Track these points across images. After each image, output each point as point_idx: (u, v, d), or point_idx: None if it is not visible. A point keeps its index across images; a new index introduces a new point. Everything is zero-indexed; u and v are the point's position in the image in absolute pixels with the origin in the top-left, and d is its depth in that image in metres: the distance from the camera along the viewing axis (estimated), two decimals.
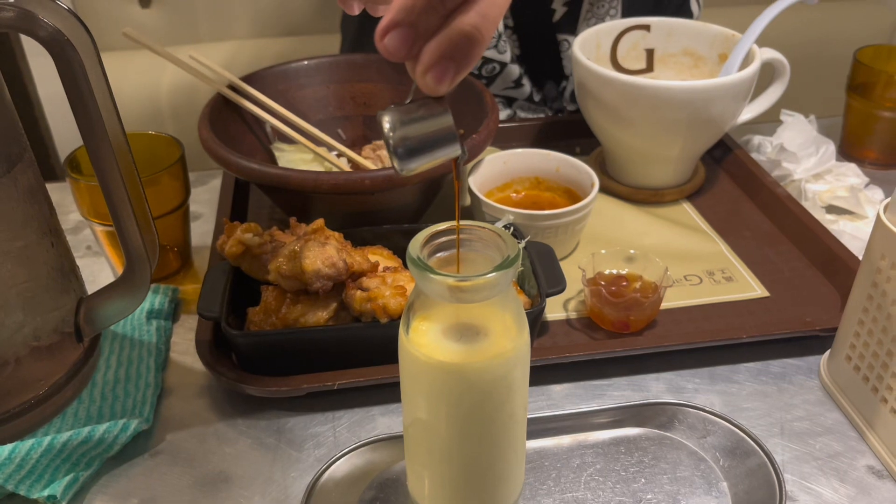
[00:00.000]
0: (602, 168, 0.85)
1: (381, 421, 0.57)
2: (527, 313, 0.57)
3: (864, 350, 0.55)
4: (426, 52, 0.35)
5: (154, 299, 0.66)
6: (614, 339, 0.63)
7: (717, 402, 0.58)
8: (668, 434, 0.55)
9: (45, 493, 0.50)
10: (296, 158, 0.79)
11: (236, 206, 0.77)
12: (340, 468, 0.52)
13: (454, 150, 0.38)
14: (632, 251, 0.67)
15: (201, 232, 0.78)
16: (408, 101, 0.38)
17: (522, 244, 0.65)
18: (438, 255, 0.43)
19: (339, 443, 0.55)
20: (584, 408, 0.56)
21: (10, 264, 0.51)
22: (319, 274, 0.56)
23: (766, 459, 0.52)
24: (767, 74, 0.81)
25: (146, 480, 0.53)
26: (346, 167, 0.79)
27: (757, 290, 0.68)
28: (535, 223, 0.68)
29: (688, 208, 0.81)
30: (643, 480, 0.52)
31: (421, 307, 0.43)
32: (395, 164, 0.37)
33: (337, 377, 0.57)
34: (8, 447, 0.50)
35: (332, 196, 0.65)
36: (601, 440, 0.55)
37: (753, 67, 0.74)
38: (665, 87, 0.72)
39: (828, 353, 0.60)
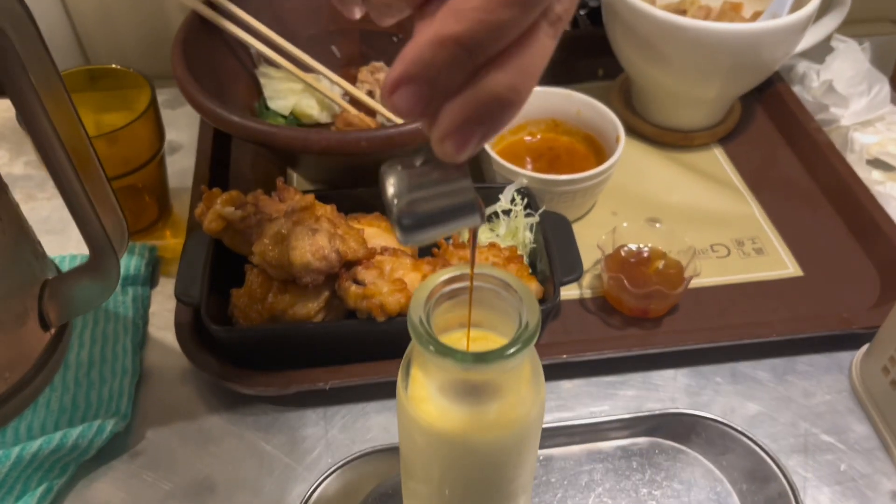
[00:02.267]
0: (627, 100, 0.76)
1: (376, 420, 0.53)
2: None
3: None
4: (447, 114, 0.27)
5: (129, 263, 0.60)
6: (631, 328, 0.58)
7: (738, 407, 0.54)
8: (683, 448, 0.52)
9: None
10: (283, 88, 0.70)
11: (218, 142, 0.69)
12: (332, 484, 0.49)
13: (471, 221, 0.31)
14: (658, 225, 0.60)
15: (180, 169, 0.70)
16: (418, 161, 0.30)
17: (536, 218, 0.58)
18: (446, 303, 0.37)
19: (332, 445, 0.51)
20: (596, 419, 0.52)
21: None
22: (309, 268, 0.50)
23: (788, 488, 0.48)
24: None
25: (125, 488, 0.49)
26: (339, 98, 0.71)
27: (789, 268, 0.62)
28: (552, 188, 0.61)
29: (719, 155, 0.73)
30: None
31: (422, 358, 0.37)
32: (398, 236, 0.30)
33: (329, 376, 0.52)
34: None
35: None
36: (612, 452, 0.51)
37: (812, 6, 0.63)
38: (708, 29, 0.62)
39: (862, 352, 0.56)
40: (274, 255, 0.51)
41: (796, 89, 0.77)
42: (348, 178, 0.65)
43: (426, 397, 0.37)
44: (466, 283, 0.36)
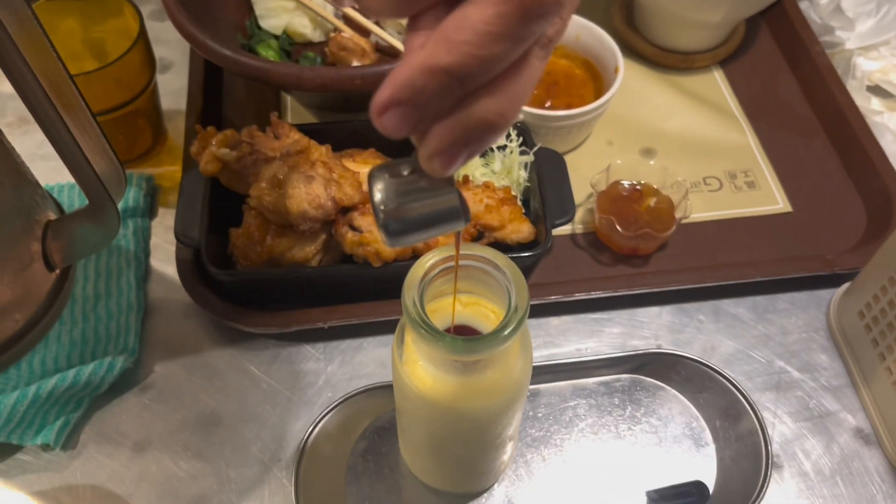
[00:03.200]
0: (629, 18, 0.74)
1: (373, 355, 0.56)
2: (528, 257, 0.53)
3: (880, 315, 0.52)
4: (435, 135, 0.28)
5: (128, 194, 0.61)
6: (620, 265, 0.59)
7: (719, 345, 0.56)
8: (663, 385, 0.55)
9: (38, 440, 0.50)
10: (275, 6, 0.68)
11: (210, 65, 0.68)
12: (333, 419, 0.52)
13: (455, 226, 0.32)
14: (652, 162, 0.60)
15: (173, 89, 0.69)
16: (405, 170, 0.31)
17: (531, 157, 0.58)
18: (439, 280, 0.38)
19: (331, 380, 0.54)
20: (581, 357, 0.54)
21: None
22: (306, 216, 0.51)
23: (758, 425, 0.52)
24: None
25: (137, 420, 0.53)
26: (332, 17, 0.68)
27: (779, 203, 0.63)
28: (548, 123, 0.61)
29: (719, 78, 0.72)
30: (633, 439, 0.52)
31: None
32: (384, 240, 0.31)
33: (327, 316, 0.54)
34: None
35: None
36: (596, 388, 0.54)
37: None
38: None
39: (841, 292, 0.58)
40: (270, 201, 0.52)
41: (803, 5, 0.75)
42: (344, 104, 0.65)
43: (419, 366, 0.39)
44: (458, 262, 0.38)
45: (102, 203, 0.48)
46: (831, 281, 0.59)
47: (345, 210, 0.53)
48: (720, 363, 0.55)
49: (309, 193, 0.51)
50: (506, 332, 0.35)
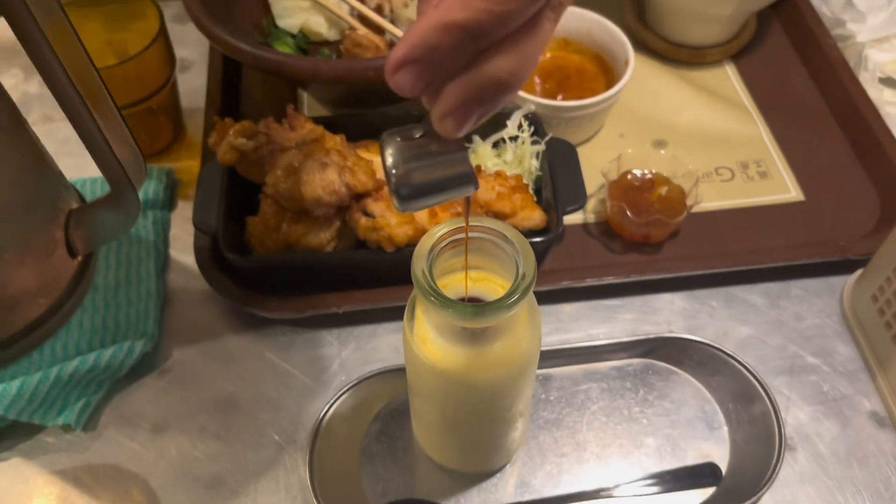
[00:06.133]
0: (640, 13, 0.75)
1: (386, 341, 0.56)
2: (539, 242, 0.54)
3: (893, 298, 0.52)
4: (448, 94, 0.29)
5: (148, 187, 0.62)
6: (632, 253, 0.60)
7: (731, 330, 0.57)
8: (675, 369, 0.55)
9: (59, 421, 0.51)
10: (291, 5, 0.70)
11: (228, 62, 0.69)
12: (347, 402, 0.52)
13: (466, 191, 0.32)
14: (663, 151, 0.61)
15: (192, 88, 0.71)
16: (417, 133, 0.31)
17: (543, 146, 0.59)
18: (448, 252, 0.39)
19: (346, 365, 0.55)
20: (593, 341, 0.55)
21: None
22: (320, 202, 0.52)
23: (771, 407, 0.52)
24: None
25: (156, 402, 0.54)
26: (347, 16, 0.70)
27: (791, 192, 0.63)
28: (559, 114, 0.62)
29: (730, 72, 0.72)
30: (645, 422, 0.53)
31: (425, 304, 0.40)
32: (395, 204, 0.32)
33: (342, 301, 0.55)
34: (16, 383, 0.51)
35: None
36: (608, 372, 0.55)
37: None
38: None
39: (854, 278, 0.58)
40: (286, 188, 0.53)
41: (815, 0, 0.75)
42: (358, 99, 0.66)
43: (429, 339, 0.40)
44: (457, 237, 0.38)
45: (123, 188, 0.50)
46: (844, 268, 0.59)
47: (359, 197, 0.54)
48: (733, 348, 0.55)
49: (323, 179, 0.52)
50: (513, 298, 0.36)
